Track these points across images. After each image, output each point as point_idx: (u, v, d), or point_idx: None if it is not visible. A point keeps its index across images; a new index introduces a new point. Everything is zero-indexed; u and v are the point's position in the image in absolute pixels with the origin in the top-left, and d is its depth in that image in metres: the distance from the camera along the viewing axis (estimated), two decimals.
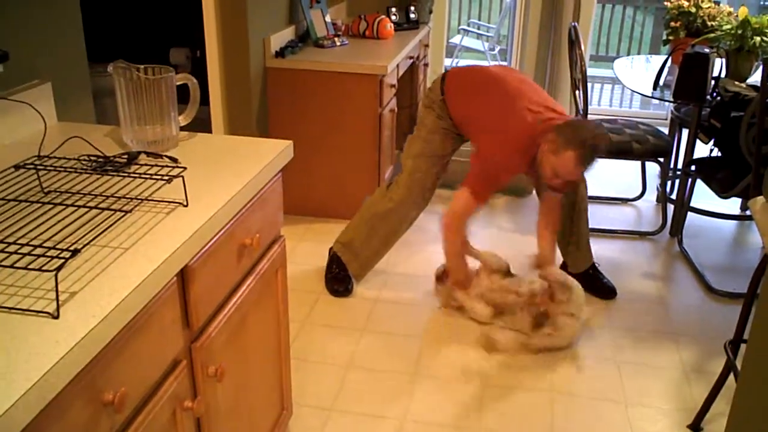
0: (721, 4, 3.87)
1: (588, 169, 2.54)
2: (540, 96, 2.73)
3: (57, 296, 1.04)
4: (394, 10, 4.36)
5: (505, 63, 7.08)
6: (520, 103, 2.65)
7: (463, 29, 7.61)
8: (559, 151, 2.49)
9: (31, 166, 1.48)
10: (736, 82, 3.28)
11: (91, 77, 2.24)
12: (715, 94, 3.30)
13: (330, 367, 2.61)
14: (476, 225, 3.75)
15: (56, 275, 1.04)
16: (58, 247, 1.15)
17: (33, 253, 1.13)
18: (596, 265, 3.19)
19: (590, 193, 4.13)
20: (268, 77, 3.48)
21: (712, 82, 3.34)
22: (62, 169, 1.50)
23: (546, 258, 2.90)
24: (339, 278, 3.10)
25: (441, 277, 2.99)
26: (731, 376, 2.22)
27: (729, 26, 3.49)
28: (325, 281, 3.11)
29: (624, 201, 4.14)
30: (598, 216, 3.89)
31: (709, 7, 3.76)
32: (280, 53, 3.48)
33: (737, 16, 3.55)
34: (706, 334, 2.87)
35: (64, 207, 1.32)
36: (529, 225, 3.23)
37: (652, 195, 4.20)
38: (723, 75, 3.55)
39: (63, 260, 1.09)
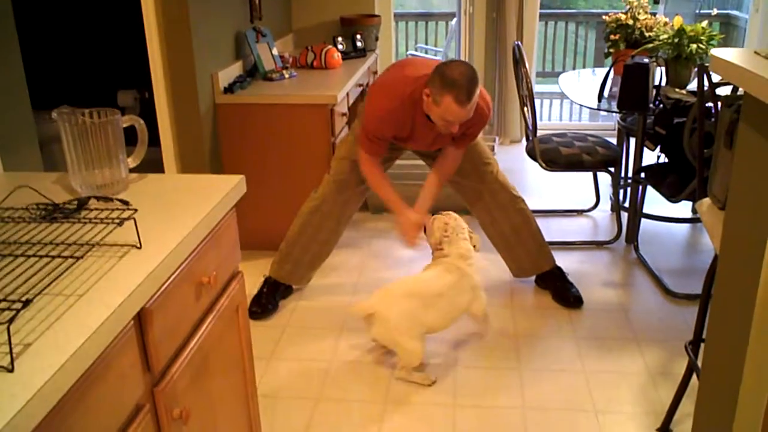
0: (657, 15, 3.99)
1: (471, 102, 2.54)
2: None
3: (11, 349, 1.02)
4: (340, 39, 4.41)
5: None
6: (413, 68, 2.77)
7: (411, 54, 7.70)
8: (438, 100, 2.56)
9: None
10: (677, 89, 3.37)
11: (39, 124, 2.22)
12: (657, 102, 3.39)
13: (299, 401, 2.59)
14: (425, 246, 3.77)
15: (8, 327, 1.02)
16: (9, 299, 1.13)
17: None
18: (565, 273, 3.24)
19: (546, 206, 4.22)
20: (218, 114, 3.48)
21: (654, 90, 3.43)
22: (10, 219, 1.47)
23: (422, 202, 2.93)
24: (258, 300, 3.17)
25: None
26: (695, 377, 2.26)
27: (666, 36, 3.60)
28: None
29: (579, 212, 4.21)
30: (554, 229, 3.94)
31: (645, 19, 3.87)
32: (229, 89, 3.48)
33: (673, 25, 3.66)
34: (668, 337, 2.92)
35: (13, 258, 1.30)
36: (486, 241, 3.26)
37: (605, 204, 4.28)
38: (664, 83, 3.65)
39: (15, 312, 1.07)
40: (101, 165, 1.65)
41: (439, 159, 2.96)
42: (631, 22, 3.87)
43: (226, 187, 1.72)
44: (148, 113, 3.33)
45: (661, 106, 3.27)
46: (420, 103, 2.65)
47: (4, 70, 1.95)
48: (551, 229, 3.90)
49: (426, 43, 8.22)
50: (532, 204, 3.21)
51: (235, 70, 3.69)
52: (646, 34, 3.81)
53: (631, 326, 3.01)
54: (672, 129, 3.14)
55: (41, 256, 1.30)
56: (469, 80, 2.52)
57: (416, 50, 7.89)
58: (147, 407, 1.33)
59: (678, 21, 3.61)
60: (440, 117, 2.60)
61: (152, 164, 3.34)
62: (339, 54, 4.18)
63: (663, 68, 3.70)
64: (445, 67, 2.56)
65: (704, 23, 3.57)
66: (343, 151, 3.05)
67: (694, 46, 3.49)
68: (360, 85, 4.19)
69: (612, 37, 3.92)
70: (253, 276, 3.34)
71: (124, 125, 1.71)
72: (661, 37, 3.62)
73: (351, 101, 3.93)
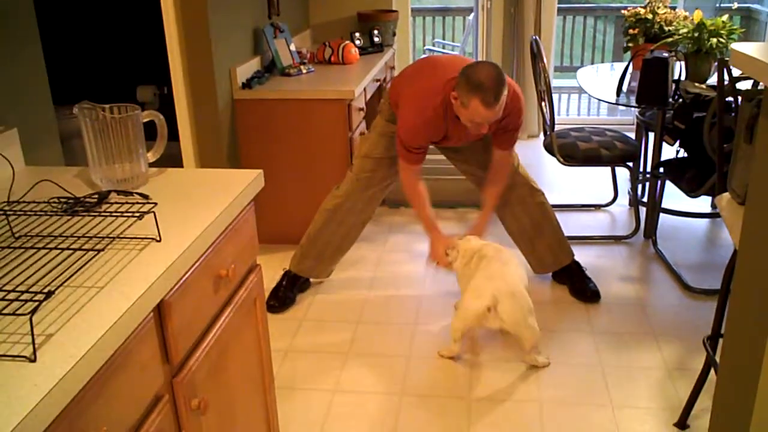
0: (676, 9, 3.95)
1: (498, 102, 2.53)
2: None
3: (33, 339, 1.04)
4: (357, 34, 4.41)
5: None
6: (441, 71, 2.74)
7: (429, 49, 7.69)
8: (465, 103, 2.55)
9: (0, 212, 1.48)
10: (697, 84, 3.35)
11: (60, 120, 2.25)
12: (677, 96, 3.37)
13: (316, 393, 2.61)
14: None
15: (31, 318, 1.04)
16: (31, 290, 1.15)
17: (6, 298, 1.13)
18: (582, 268, 3.23)
19: (563, 201, 4.21)
20: (236, 109, 3.50)
21: (673, 85, 3.41)
22: (32, 213, 1.50)
23: (480, 227, 2.97)
24: (276, 294, 3.19)
25: None
26: (712, 372, 2.25)
27: (685, 30, 3.57)
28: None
29: (597, 207, 4.19)
30: (572, 223, 3.93)
31: (665, 13, 3.85)
32: (247, 84, 3.50)
33: (693, 19, 3.63)
34: (686, 332, 2.91)
35: (36, 250, 1.32)
36: (494, 237, 3.25)
37: (624, 199, 4.26)
38: (683, 77, 3.62)
39: (37, 303, 1.09)
40: (121, 159, 1.67)
41: (490, 170, 2.96)
42: (650, 16, 3.84)
43: (245, 182, 1.74)
44: (168, 108, 3.36)
45: (681, 100, 3.25)
46: (451, 106, 2.66)
47: (25, 65, 1.98)
48: (569, 224, 3.89)
49: (443, 39, 8.21)
50: (550, 199, 3.20)
51: (253, 65, 3.70)
52: (666, 29, 3.78)
53: (648, 321, 3.00)
54: (691, 124, 3.12)
55: (63, 249, 1.32)
56: (496, 82, 2.51)
57: (434, 45, 7.88)
58: (166, 398, 1.35)
59: (698, 15, 3.58)
60: (469, 119, 2.61)
61: (171, 159, 3.37)
62: (356, 49, 4.19)
63: (682, 63, 3.67)
64: (470, 70, 2.56)
65: (725, 17, 3.53)
66: (365, 149, 3.04)
67: (714, 40, 3.46)
68: (377, 80, 4.20)
69: (631, 31, 3.90)
70: (272, 269, 3.36)
71: (144, 120, 1.73)
72: (681, 32, 3.59)
73: (368, 96, 3.94)
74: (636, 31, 3.87)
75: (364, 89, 3.77)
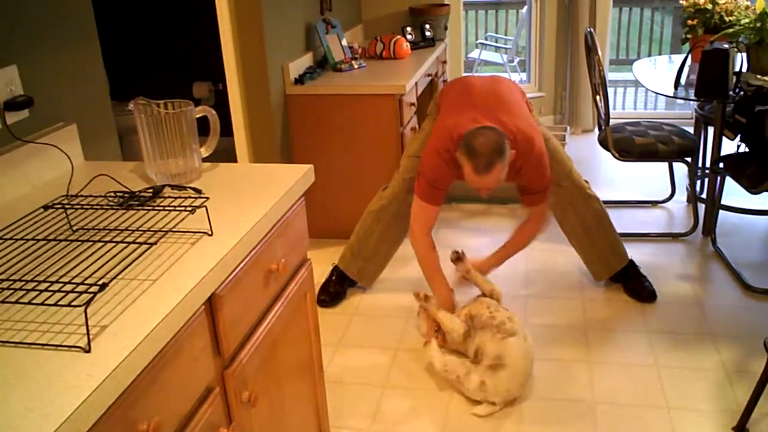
0: None
1: (490, 172, 2.45)
2: (498, 109, 2.65)
3: (87, 330, 1.07)
4: (409, 29, 4.40)
5: (515, 75, 7.08)
6: (465, 113, 2.65)
7: (481, 43, 7.63)
8: (462, 165, 2.51)
9: (59, 206, 1.52)
10: (759, 76, 3.24)
11: (119, 116, 2.29)
12: (737, 89, 3.26)
13: (366, 387, 2.61)
14: (493, 237, 3.74)
15: (85, 310, 1.07)
16: (86, 282, 1.18)
17: (63, 289, 1.16)
18: (638, 267, 3.16)
19: (619, 197, 4.13)
20: (289, 104, 3.53)
21: (734, 77, 3.30)
22: (89, 206, 1.53)
23: (485, 264, 2.88)
24: (327, 289, 3.20)
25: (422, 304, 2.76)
26: None
27: (747, 20, 3.46)
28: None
29: (654, 203, 4.10)
30: (628, 220, 3.85)
31: (725, 3, 3.73)
32: (300, 80, 3.52)
33: (755, 9, 3.51)
34: (746, 333, 2.82)
35: (91, 243, 1.35)
36: (548, 235, 3.19)
37: (682, 195, 4.15)
38: (745, 69, 3.51)
39: (92, 295, 1.11)
40: (175, 154, 1.70)
41: (522, 224, 2.86)
42: (710, 6, 3.74)
43: (295, 176, 1.75)
44: (223, 104, 3.41)
45: (742, 93, 3.15)
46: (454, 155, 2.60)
47: (84, 62, 2.03)
48: (624, 221, 3.81)
49: (496, 32, 8.14)
50: (605, 195, 3.14)
51: (305, 61, 3.73)
52: (726, 19, 3.68)
53: (706, 321, 2.92)
54: (753, 117, 3.02)
55: (117, 242, 1.35)
56: (491, 150, 2.43)
57: (486, 39, 7.81)
58: (217, 390, 1.36)
59: (760, 4, 3.47)
60: (466, 178, 2.56)
61: (226, 154, 3.43)
62: (408, 44, 4.18)
63: (744, 54, 3.56)
64: (471, 133, 2.49)
65: None
66: (412, 149, 3.00)
67: None
68: (429, 75, 4.18)
69: (689, 22, 3.80)
70: (323, 264, 3.38)
71: (197, 116, 1.75)
72: (743, 22, 3.48)
73: (420, 91, 3.92)
74: (695, 22, 3.77)
75: (416, 84, 3.76)
